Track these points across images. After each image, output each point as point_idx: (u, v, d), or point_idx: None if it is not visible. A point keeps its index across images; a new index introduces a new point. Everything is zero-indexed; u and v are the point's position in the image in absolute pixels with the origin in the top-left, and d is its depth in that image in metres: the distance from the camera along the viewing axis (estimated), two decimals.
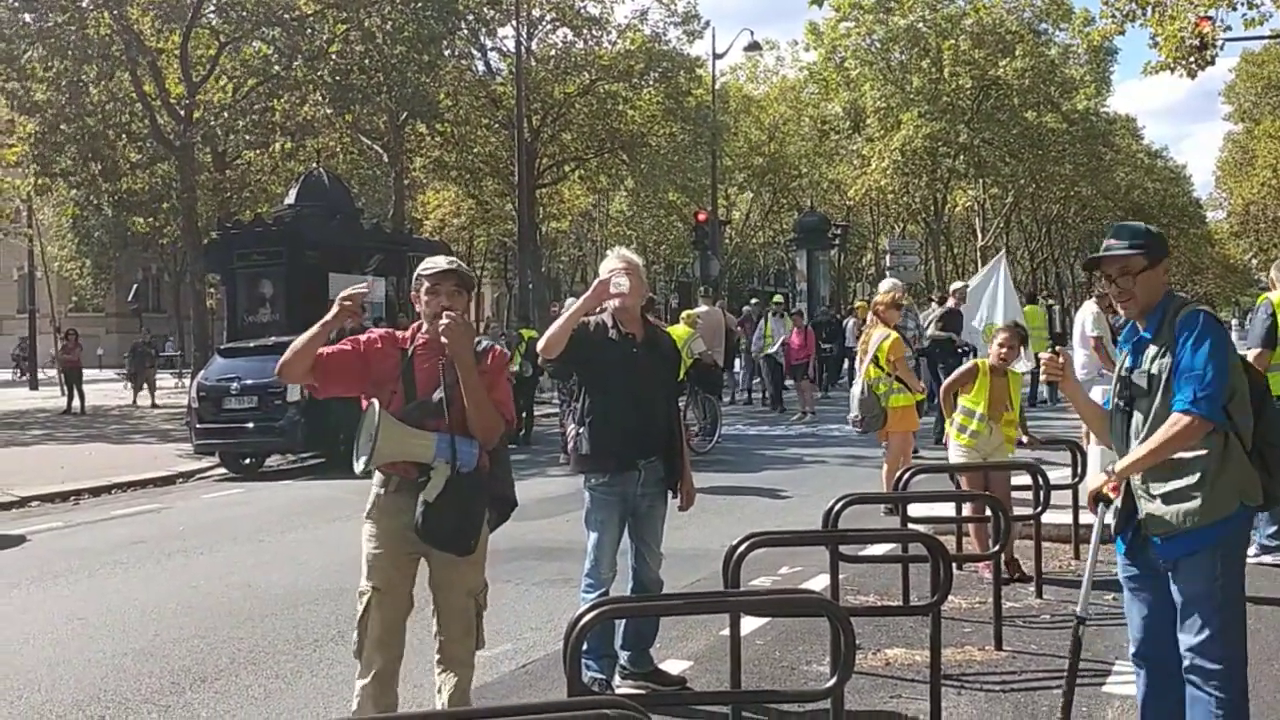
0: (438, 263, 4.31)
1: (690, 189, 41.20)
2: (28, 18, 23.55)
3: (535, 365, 17.60)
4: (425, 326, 4.31)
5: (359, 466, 4.19)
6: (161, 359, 38.39)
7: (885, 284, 13.12)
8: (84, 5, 23.12)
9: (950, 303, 15.76)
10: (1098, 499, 3.97)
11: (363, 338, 4.36)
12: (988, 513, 6.68)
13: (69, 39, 22.72)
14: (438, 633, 4.32)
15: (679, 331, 14.47)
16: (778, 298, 24.06)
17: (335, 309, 4.15)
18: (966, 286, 16.08)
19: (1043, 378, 4.88)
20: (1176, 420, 3.66)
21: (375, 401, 4.13)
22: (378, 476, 4.31)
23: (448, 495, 4.10)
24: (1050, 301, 28.91)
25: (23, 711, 5.58)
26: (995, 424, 7.56)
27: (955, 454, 7.62)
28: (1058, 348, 4.34)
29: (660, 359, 5.47)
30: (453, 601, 4.29)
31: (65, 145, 24.60)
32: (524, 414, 17.31)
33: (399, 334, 4.40)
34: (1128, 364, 3.91)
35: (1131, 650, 3.95)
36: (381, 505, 4.28)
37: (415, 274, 4.35)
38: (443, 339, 4.14)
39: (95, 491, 13.77)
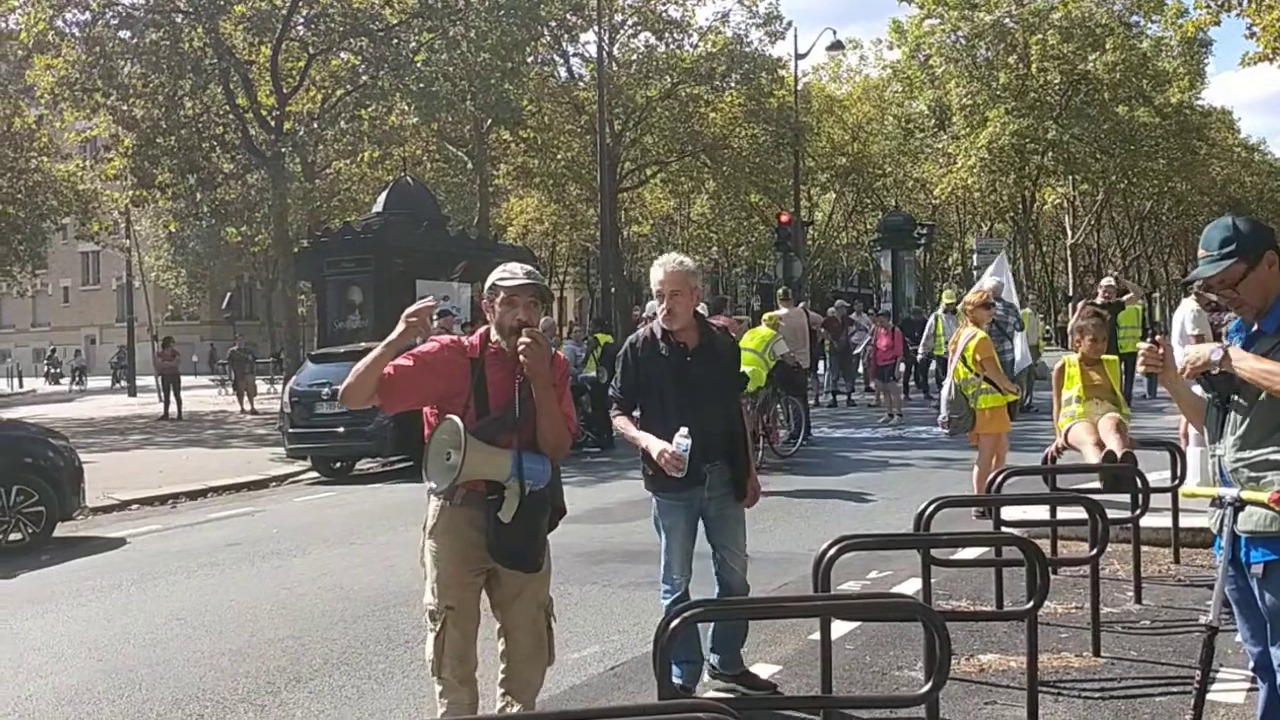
0: (515, 272, 4.14)
1: (772, 190, 41.05)
2: (125, 34, 24.25)
3: (612, 371, 17.63)
4: (494, 336, 4.15)
5: (440, 485, 4.01)
6: (264, 362, 39.25)
7: (988, 283, 12.99)
8: (179, 21, 23.76)
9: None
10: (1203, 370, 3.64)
11: (425, 348, 4.18)
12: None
13: (164, 54, 23.36)
14: (504, 653, 4.19)
15: (762, 333, 14.38)
16: (949, 294, 21.98)
17: (401, 327, 4.02)
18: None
19: (1140, 369, 4.67)
20: None
21: (455, 418, 3.94)
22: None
23: (519, 515, 3.98)
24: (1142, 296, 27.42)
25: (124, 709, 5.72)
26: (1099, 400, 7.68)
27: (1075, 431, 7.67)
28: (1158, 337, 4.12)
29: (716, 362, 5.24)
30: (523, 617, 4.16)
31: (162, 158, 25.29)
32: (604, 418, 17.39)
33: (465, 342, 4.22)
34: None
35: (1250, 664, 3.79)
36: (446, 522, 4.11)
37: (489, 283, 4.19)
38: (522, 358, 3.99)
39: (192, 495, 14.12)
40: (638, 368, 5.24)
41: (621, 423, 5.28)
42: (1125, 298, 17.66)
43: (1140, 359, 3.94)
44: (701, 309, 5.62)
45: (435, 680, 4.14)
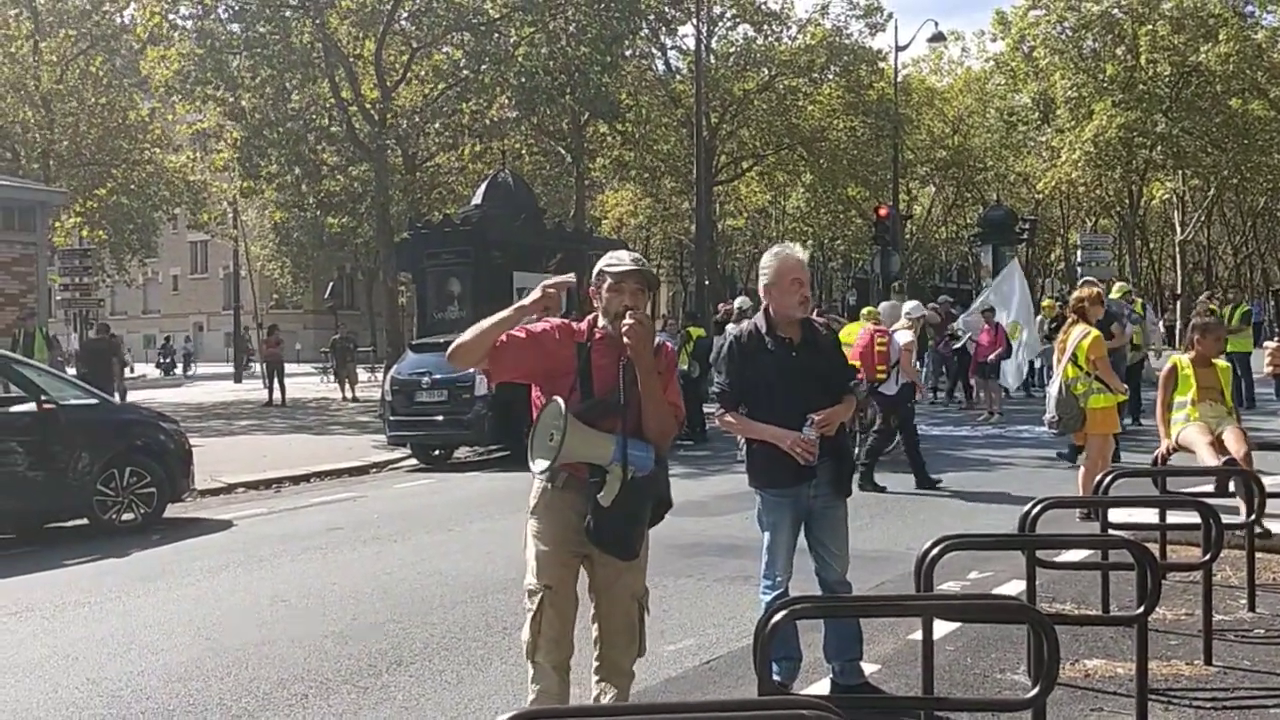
0: (623, 259, 4.17)
1: (870, 183, 40.62)
2: (235, 28, 24.88)
3: (704, 365, 17.65)
4: (602, 322, 4.17)
5: (540, 467, 4.04)
6: (365, 351, 40.02)
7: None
8: (287, 15, 24.28)
9: None
10: None
11: (537, 327, 4.18)
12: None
13: (273, 48, 23.90)
14: (598, 639, 4.20)
15: (857, 328, 14.23)
16: (1121, 288, 18.56)
17: (537, 294, 4.04)
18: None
19: (1267, 369, 4.55)
20: None
21: (559, 399, 3.97)
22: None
23: (620, 500, 3.98)
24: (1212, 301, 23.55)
25: (231, 687, 5.87)
26: (1212, 402, 7.74)
27: (1188, 432, 7.56)
28: None
29: (821, 358, 5.20)
30: (616, 606, 4.17)
31: (269, 150, 25.89)
32: (695, 412, 17.38)
33: (575, 326, 4.25)
34: None
35: None
36: (548, 502, 4.16)
37: (597, 269, 4.21)
38: (625, 339, 4.02)
39: (295, 480, 14.45)
40: (744, 362, 5.19)
41: (732, 418, 5.21)
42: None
43: (1268, 359, 3.83)
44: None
45: (529, 663, 4.16)
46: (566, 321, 4.29)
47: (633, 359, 4.06)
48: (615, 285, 4.12)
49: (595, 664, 4.22)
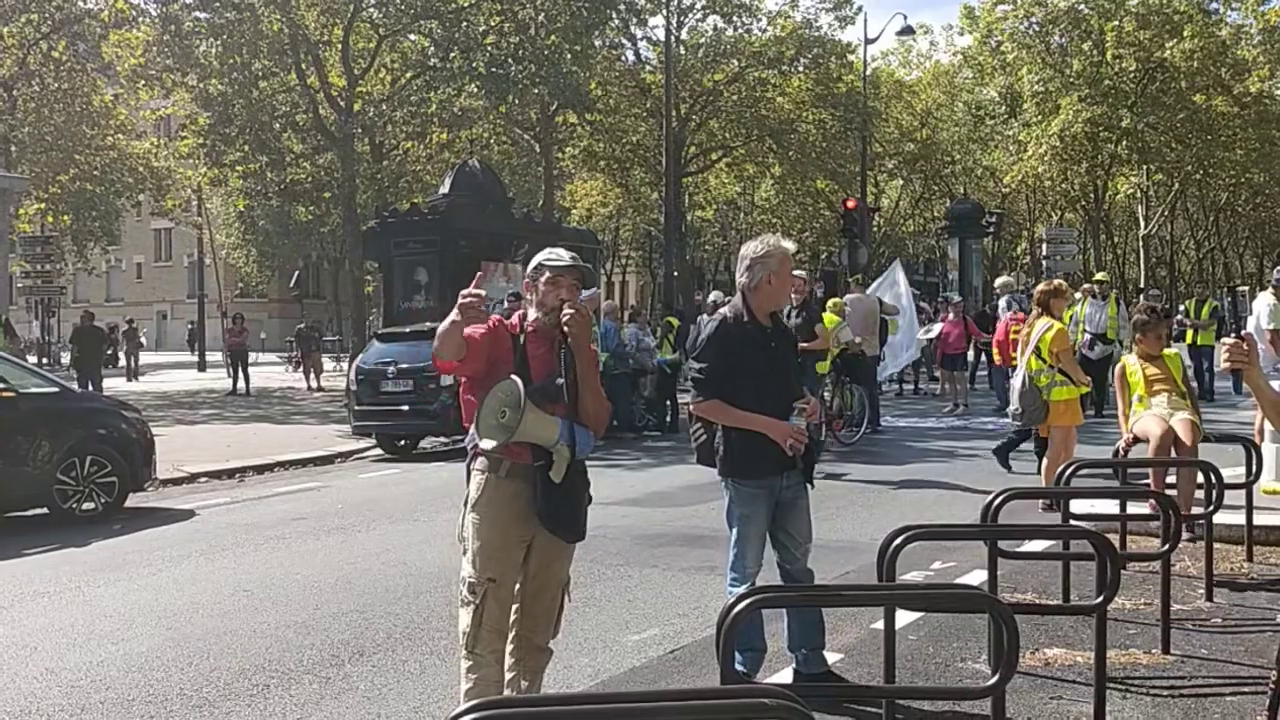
0: (562, 256, 4.38)
1: (839, 176, 40.74)
2: (202, 15, 24.64)
3: (683, 354, 17.78)
4: (534, 314, 4.36)
5: (491, 443, 4.15)
6: (331, 340, 39.82)
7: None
8: (255, 1, 24.07)
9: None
10: None
11: (482, 326, 4.35)
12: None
13: (242, 34, 23.68)
14: (517, 621, 4.33)
15: (827, 320, 14.30)
16: (1101, 276, 18.93)
17: (458, 314, 4.13)
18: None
19: (1224, 364, 4.60)
20: None
21: (515, 379, 4.14)
22: (482, 462, 4.28)
23: (567, 480, 4.19)
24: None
25: (192, 678, 5.83)
26: (1166, 394, 7.88)
27: (1143, 422, 7.80)
28: (1244, 332, 4.04)
29: (790, 345, 5.37)
30: (545, 591, 4.35)
31: (235, 137, 25.66)
32: (668, 401, 17.43)
33: (507, 321, 4.42)
34: None
35: None
36: (492, 494, 4.26)
37: (535, 263, 4.39)
38: (567, 328, 4.22)
39: (259, 469, 14.35)
40: (733, 349, 5.11)
41: (718, 406, 5.09)
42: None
43: (1225, 354, 3.88)
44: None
45: (466, 655, 4.24)
46: (500, 318, 4.45)
47: (574, 349, 4.27)
48: (553, 279, 4.32)
49: (511, 647, 4.32)
